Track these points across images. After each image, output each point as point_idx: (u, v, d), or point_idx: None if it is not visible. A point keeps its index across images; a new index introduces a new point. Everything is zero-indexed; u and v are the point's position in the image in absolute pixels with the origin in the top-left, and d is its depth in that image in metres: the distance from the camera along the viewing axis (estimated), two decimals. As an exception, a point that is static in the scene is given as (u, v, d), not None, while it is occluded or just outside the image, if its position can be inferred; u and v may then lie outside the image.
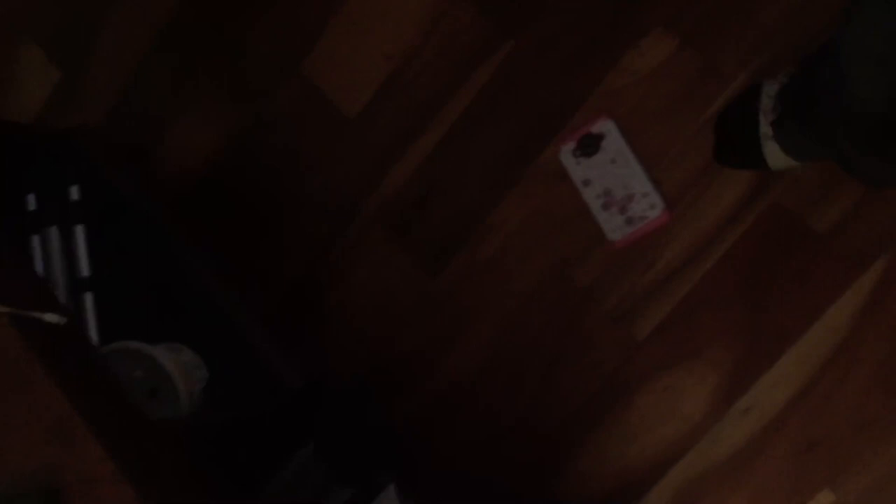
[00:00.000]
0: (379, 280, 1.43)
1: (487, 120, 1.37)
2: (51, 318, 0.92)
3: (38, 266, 1.30)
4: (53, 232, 1.32)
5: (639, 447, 1.24)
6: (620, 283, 1.26)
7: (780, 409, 1.16)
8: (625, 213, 1.27)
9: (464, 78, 1.39)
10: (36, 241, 1.31)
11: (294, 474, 1.20)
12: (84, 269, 1.32)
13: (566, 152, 1.31)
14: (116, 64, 1.62)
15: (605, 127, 1.29)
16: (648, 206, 1.25)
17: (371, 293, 1.43)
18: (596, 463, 1.27)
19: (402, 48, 1.44)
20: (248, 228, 1.52)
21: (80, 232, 1.33)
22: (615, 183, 1.28)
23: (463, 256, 1.37)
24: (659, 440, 1.23)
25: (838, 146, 0.95)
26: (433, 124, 1.41)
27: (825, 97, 0.92)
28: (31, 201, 1.33)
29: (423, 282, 1.39)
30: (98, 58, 1.63)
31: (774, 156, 1.13)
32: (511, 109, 1.36)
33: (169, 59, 1.59)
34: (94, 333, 1.30)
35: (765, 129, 1.12)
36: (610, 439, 1.25)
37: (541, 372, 1.30)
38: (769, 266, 1.19)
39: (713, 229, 1.22)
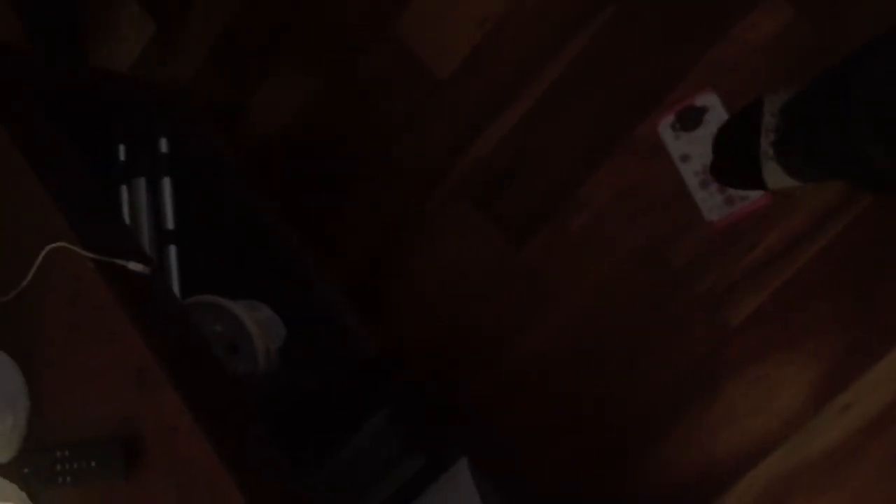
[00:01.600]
0: (461, 249, 1.39)
1: (582, 89, 1.31)
2: (135, 266, 0.91)
3: (125, 216, 1.31)
4: (141, 183, 1.32)
5: (725, 439, 1.18)
6: (716, 266, 1.20)
7: (882, 409, 1.08)
8: (724, 192, 1.20)
9: (559, 44, 1.34)
10: (124, 191, 1.32)
11: (367, 440, 1.18)
12: (169, 221, 1.32)
13: (665, 126, 1.24)
14: (209, 21, 1.62)
15: (709, 100, 1.22)
16: (751, 186, 1.18)
17: (452, 262, 1.40)
18: (678, 453, 1.21)
19: (496, 12, 1.39)
20: (332, 190, 1.50)
21: (166, 185, 1.33)
22: (716, 160, 1.21)
23: (550, 230, 1.32)
24: (747, 433, 1.16)
25: (867, 162, 0.87)
26: (526, 91, 1.36)
27: (853, 114, 0.85)
28: (122, 151, 1.34)
29: (506, 254, 1.35)
30: (192, 13, 1.63)
31: (774, 177, 1.06)
32: (608, 79, 1.30)
33: (262, 18, 1.58)
34: (176, 286, 1.30)
35: (765, 148, 1.04)
36: (694, 429, 1.20)
37: (625, 354, 1.25)
38: (878, 257, 1.11)
39: (819, 214, 1.14)
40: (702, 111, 1.22)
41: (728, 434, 1.18)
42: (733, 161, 1.13)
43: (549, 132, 1.34)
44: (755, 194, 1.16)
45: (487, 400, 1.34)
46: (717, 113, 1.21)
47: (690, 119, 1.23)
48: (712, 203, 1.20)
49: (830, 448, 1.11)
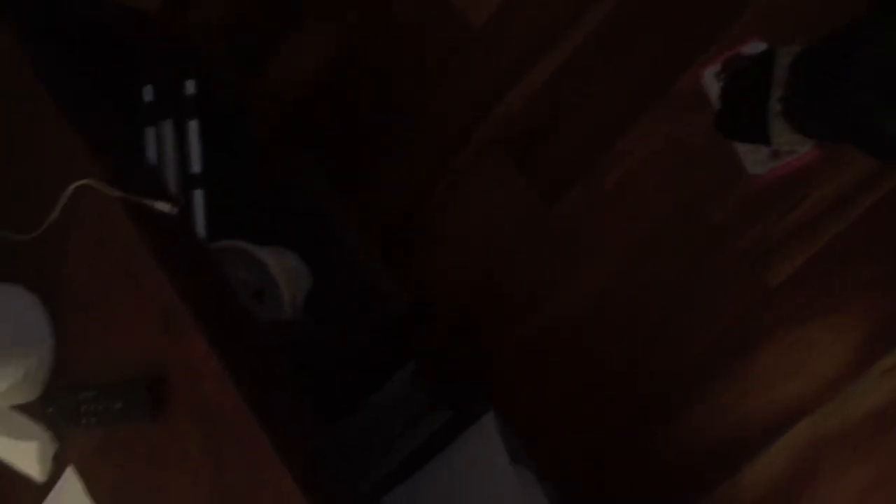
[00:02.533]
0: (494, 204, 1.36)
1: (623, 38, 1.26)
2: (162, 206, 0.89)
3: (152, 158, 1.29)
4: (168, 125, 1.30)
5: (759, 403, 1.15)
6: (758, 224, 1.16)
7: (927, 374, 1.05)
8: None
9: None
10: (150, 133, 1.29)
11: (395, 393, 1.17)
12: (196, 165, 1.30)
13: (710, 75, 1.20)
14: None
15: (757, 49, 1.17)
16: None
17: (484, 217, 1.36)
18: (710, 416, 1.18)
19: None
20: (363, 139, 1.47)
21: (193, 127, 1.31)
22: (763, 112, 1.16)
23: (585, 185, 1.28)
24: (785, 395, 1.13)
25: (875, 129, 0.82)
26: (562, 41, 1.31)
27: (866, 78, 0.80)
28: (149, 93, 1.31)
29: (540, 209, 1.32)
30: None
31: (781, 133, 1.00)
32: (650, 27, 1.25)
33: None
34: (202, 231, 1.28)
35: (774, 103, 0.98)
36: (729, 390, 1.17)
37: (659, 313, 1.22)
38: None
39: (867, 172, 1.10)
40: (749, 60, 1.17)
41: (763, 397, 1.15)
42: (740, 114, 1.07)
43: (586, 83, 1.29)
44: (802, 149, 1.12)
45: (517, 357, 1.32)
46: (764, 64, 1.17)
47: (736, 68, 1.18)
48: (757, 157, 1.15)
49: (871, 413, 1.08)
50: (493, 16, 1.37)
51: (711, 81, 1.19)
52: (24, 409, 0.91)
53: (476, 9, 1.38)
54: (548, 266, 1.32)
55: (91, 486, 0.89)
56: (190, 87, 1.33)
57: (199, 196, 1.28)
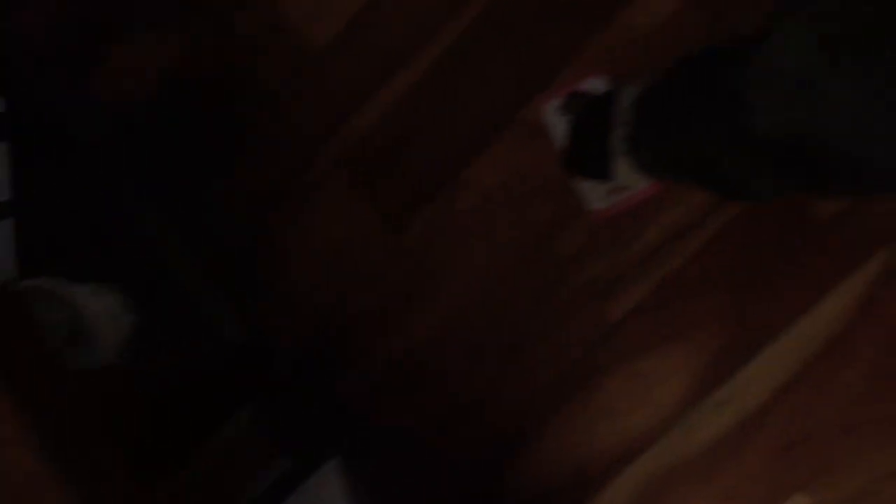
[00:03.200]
0: (337, 231, 1.30)
1: (471, 64, 1.25)
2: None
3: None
4: (-28, 148, 1.18)
5: (603, 434, 1.16)
6: (601, 257, 1.16)
7: (760, 404, 1.08)
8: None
9: (448, 15, 1.27)
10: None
11: (230, 439, 1.09)
12: (5, 191, 1.18)
13: (551, 109, 1.20)
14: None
15: (596, 85, 1.18)
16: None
17: (328, 245, 1.31)
18: (555, 448, 1.18)
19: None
20: (197, 163, 1.38)
21: (2, 150, 1.19)
22: (602, 147, 1.17)
23: (431, 212, 1.25)
24: (626, 429, 1.14)
25: (721, 170, 0.81)
26: (410, 64, 1.28)
27: (707, 117, 0.79)
28: (-51, 111, 1.18)
29: (385, 237, 1.28)
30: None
31: (624, 172, 1.02)
32: (498, 55, 1.24)
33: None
34: (12, 266, 1.16)
35: (616, 141, 0.99)
36: (573, 423, 1.16)
37: (506, 346, 1.20)
38: (761, 252, 1.10)
39: (704, 207, 1.13)
40: (589, 96, 1.18)
41: (605, 431, 1.15)
42: (584, 152, 1.09)
43: (433, 109, 1.27)
44: (640, 185, 1.13)
45: (363, 394, 1.26)
46: (605, 98, 1.18)
47: (577, 104, 1.18)
48: (598, 192, 1.16)
49: (708, 444, 1.10)
50: (338, 35, 1.32)
51: (553, 115, 1.19)
52: None
53: (319, 26, 1.32)
54: (395, 296, 1.27)
55: None
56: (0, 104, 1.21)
57: (7, 227, 1.16)
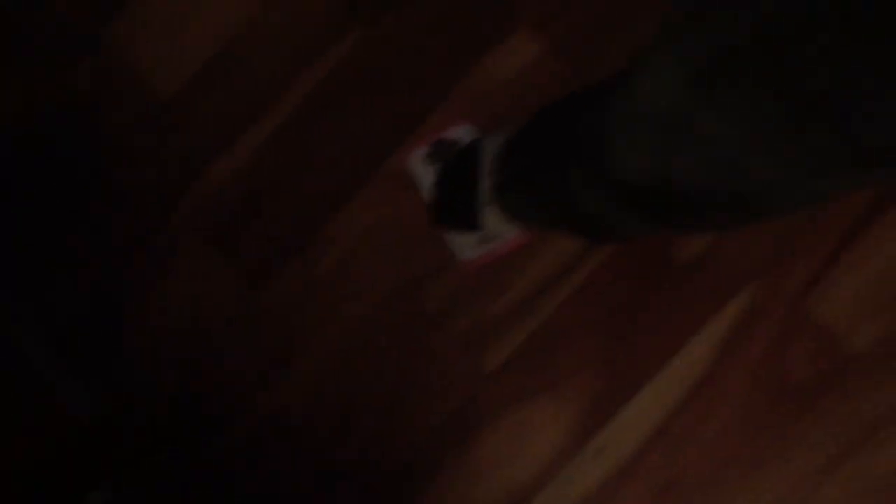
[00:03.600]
0: (193, 293, 1.22)
1: (330, 114, 1.21)
2: None
3: None
4: None
5: (484, 489, 1.13)
6: (472, 308, 1.15)
7: (636, 447, 1.08)
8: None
9: (305, 63, 1.22)
10: None
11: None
12: None
13: (417, 158, 1.17)
14: None
15: (462, 133, 1.16)
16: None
17: (187, 307, 1.22)
18: (438, 506, 1.15)
19: (232, 25, 1.25)
20: (40, 225, 1.27)
21: None
22: (470, 196, 1.16)
23: (294, 269, 1.20)
24: (508, 482, 1.12)
25: (588, 214, 0.81)
26: (266, 115, 1.23)
27: (572, 162, 0.78)
28: None
29: (245, 297, 1.21)
30: None
31: (493, 222, 1.02)
32: (360, 102, 1.21)
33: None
34: None
35: (483, 192, 0.99)
36: (454, 480, 1.13)
37: (381, 402, 1.16)
38: (630, 296, 1.11)
39: (573, 254, 1.13)
40: (454, 145, 1.16)
41: (487, 486, 1.13)
42: (451, 204, 1.07)
43: (292, 160, 1.22)
44: (510, 234, 1.12)
45: (231, 459, 1.19)
46: (469, 146, 1.16)
47: (443, 152, 1.16)
48: (466, 242, 1.14)
49: (588, 493, 1.10)
50: (188, 84, 1.25)
51: (419, 164, 1.17)
52: None
53: (168, 75, 1.25)
54: (261, 359, 1.20)
55: None
56: None
57: None
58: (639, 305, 1.10)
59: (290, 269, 1.20)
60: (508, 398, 1.13)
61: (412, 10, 1.20)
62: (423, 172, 1.17)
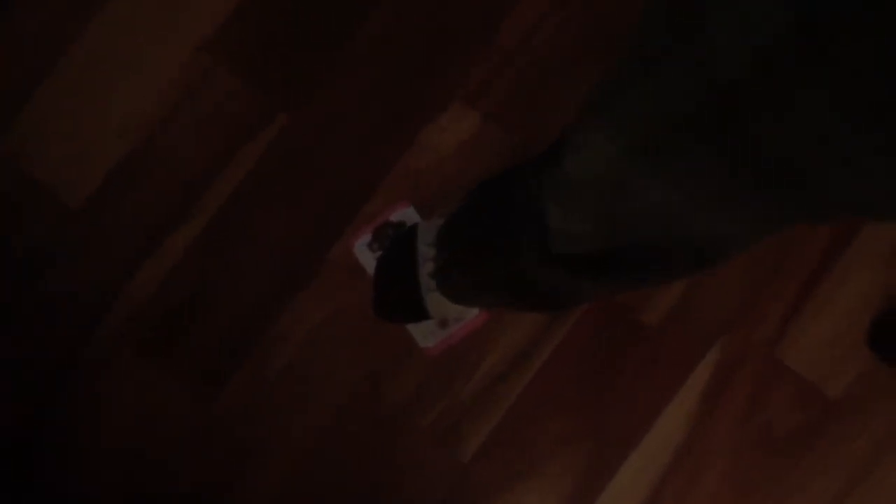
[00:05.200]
0: (134, 411, 1.13)
1: (261, 207, 1.13)
2: None
3: None
4: None
5: (477, 583, 1.08)
6: (439, 397, 1.09)
7: (627, 523, 1.05)
8: (437, 314, 1.10)
9: (227, 157, 1.14)
10: None
11: None
12: None
13: (362, 246, 1.11)
14: None
15: (405, 215, 1.11)
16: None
17: (124, 427, 1.13)
18: None
19: (141, 121, 1.16)
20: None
21: None
22: (423, 279, 1.10)
23: (244, 375, 1.12)
24: (502, 574, 1.07)
25: (537, 286, 0.77)
26: (191, 214, 1.14)
27: (514, 235, 0.75)
28: None
29: (192, 409, 1.12)
30: None
31: (440, 307, 0.97)
32: (292, 192, 1.13)
33: None
34: None
35: (425, 279, 0.94)
36: (444, 582, 1.08)
37: (355, 509, 1.09)
38: (601, 365, 1.08)
39: (538, 328, 1.08)
40: (398, 227, 1.10)
41: (480, 579, 1.08)
42: (393, 296, 1.01)
43: (226, 260, 1.14)
44: (469, 314, 1.07)
45: None
46: (415, 227, 1.11)
47: (388, 236, 1.10)
48: (425, 329, 1.09)
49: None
50: (98, 191, 1.15)
51: (364, 252, 1.10)
52: None
53: (75, 184, 1.15)
54: (212, 476, 1.12)
55: None
56: None
57: None
58: (612, 373, 1.07)
59: (238, 376, 1.12)
60: (493, 484, 1.07)
61: (338, 91, 1.13)
62: (370, 260, 1.11)
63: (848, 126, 0.39)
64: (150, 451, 1.13)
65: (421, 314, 0.99)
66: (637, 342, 1.07)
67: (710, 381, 1.05)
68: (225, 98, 1.14)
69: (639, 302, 1.06)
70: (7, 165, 1.15)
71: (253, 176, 1.14)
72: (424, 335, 1.08)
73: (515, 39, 1.13)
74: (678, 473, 1.05)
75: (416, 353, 1.09)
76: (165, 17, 1.16)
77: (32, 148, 1.16)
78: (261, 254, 1.13)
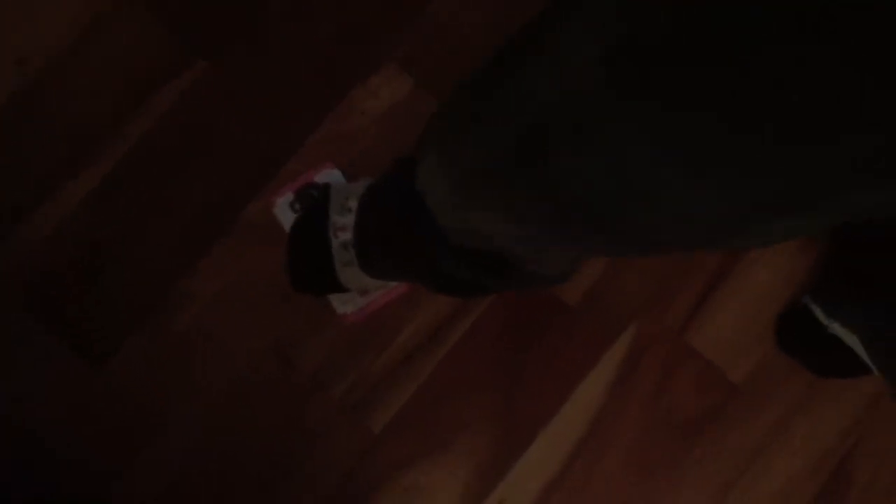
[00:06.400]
0: (25, 372, 1.04)
1: (172, 158, 1.06)
2: None
3: None
4: None
5: (381, 558, 1.06)
6: (352, 367, 1.05)
7: (535, 496, 1.05)
8: (357, 280, 1.06)
9: (136, 101, 1.07)
10: None
11: None
12: None
13: (283, 205, 1.06)
14: None
15: (331, 176, 1.07)
16: (385, 274, 1.06)
17: (17, 391, 1.03)
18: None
19: (41, 50, 1.06)
20: None
21: None
22: (344, 244, 1.06)
23: (142, 337, 1.05)
24: (405, 549, 1.06)
25: (444, 272, 0.75)
26: (91, 161, 1.06)
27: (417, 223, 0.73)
28: None
29: (86, 373, 1.04)
30: None
31: (356, 280, 0.93)
32: (206, 146, 1.07)
33: None
34: None
35: (338, 251, 0.90)
36: (349, 554, 1.05)
37: (257, 479, 1.04)
38: (518, 342, 1.07)
39: (457, 302, 1.07)
40: (325, 188, 1.06)
41: (383, 554, 1.05)
42: (308, 268, 0.97)
43: (130, 212, 1.06)
44: (390, 284, 1.05)
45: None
46: (340, 190, 1.07)
47: (311, 197, 1.06)
48: (344, 295, 1.05)
49: (488, 554, 1.06)
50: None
51: (284, 212, 1.06)
52: None
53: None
54: (107, 444, 1.04)
55: None
56: None
57: None
58: (525, 352, 1.07)
59: (136, 339, 1.04)
60: (401, 459, 1.05)
61: (262, 43, 1.08)
62: (290, 220, 1.06)
63: (653, 160, 0.40)
64: (38, 422, 1.04)
65: (337, 287, 0.95)
66: (556, 321, 1.07)
67: (620, 363, 1.07)
68: (140, 35, 1.06)
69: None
70: None
71: (166, 123, 1.07)
72: (343, 301, 1.05)
73: (452, 8, 1.11)
74: (586, 451, 1.06)
75: (331, 319, 1.05)
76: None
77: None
78: (168, 209, 1.06)
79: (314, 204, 0.96)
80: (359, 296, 1.05)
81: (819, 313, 1.00)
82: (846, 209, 0.38)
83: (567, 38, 0.41)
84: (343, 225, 0.89)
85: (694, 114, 0.36)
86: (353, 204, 0.88)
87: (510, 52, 0.50)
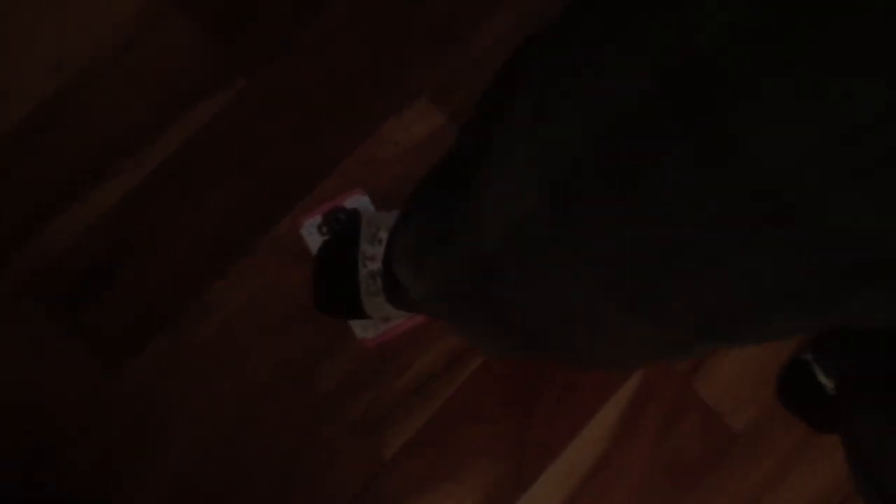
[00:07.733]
0: (42, 372, 1.04)
1: (207, 170, 1.08)
2: None
3: None
4: None
5: (382, 581, 1.07)
6: (367, 390, 1.07)
7: (538, 531, 1.08)
8: (377, 306, 1.08)
9: (171, 113, 1.08)
10: None
11: None
12: None
13: (310, 227, 1.08)
14: None
15: (360, 202, 1.09)
16: (406, 301, 1.08)
17: (31, 389, 1.04)
18: None
19: (79, 55, 1.07)
20: None
21: None
22: (368, 270, 1.08)
23: (162, 344, 1.06)
24: (409, 574, 1.07)
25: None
26: (128, 165, 1.08)
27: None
28: None
29: (103, 376, 1.05)
30: None
31: (380, 308, 0.96)
32: (241, 161, 1.09)
33: None
34: None
35: (365, 281, 0.92)
36: (351, 575, 1.06)
37: (267, 495, 1.05)
38: (533, 376, 1.10)
39: (472, 331, 1.10)
40: (351, 214, 1.08)
41: (385, 577, 1.07)
42: (333, 293, 1.00)
43: (160, 222, 1.07)
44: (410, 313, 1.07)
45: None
46: (368, 217, 1.09)
47: (339, 222, 1.08)
48: (365, 320, 1.07)
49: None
50: (25, 121, 1.06)
51: (311, 234, 1.07)
52: None
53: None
54: (125, 447, 1.05)
55: None
56: None
57: None
58: (541, 384, 1.09)
59: (157, 346, 1.05)
60: (410, 485, 1.07)
61: (302, 65, 1.10)
62: (316, 242, 1.08)
63: (593, 294, 0.40)
64: (52, 421, 1.04)
65: (360, 314, 0.97)
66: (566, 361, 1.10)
67: (628, 405, 1.10)
68: (181, 48, 1.08)
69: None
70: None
71: (203, 135, 1.08)
72: (364, 327, 1.07)
73: (488, 47, 1.14)
74: (589, 490, 1.09)
75: (350, 341, 1.07)
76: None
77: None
78: (198, 219, 1.08)
79: (344, 229, 0.97)
80: (381, 322, 1.07)
81: (817, 370, 1.04)
82: (782, 331, 0.37)
83: (508, 174, 0.41)
84: (373, 255, 0.91)
85: (618, 251, 0.36)
86: (384, 235, 0.90)
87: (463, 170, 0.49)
